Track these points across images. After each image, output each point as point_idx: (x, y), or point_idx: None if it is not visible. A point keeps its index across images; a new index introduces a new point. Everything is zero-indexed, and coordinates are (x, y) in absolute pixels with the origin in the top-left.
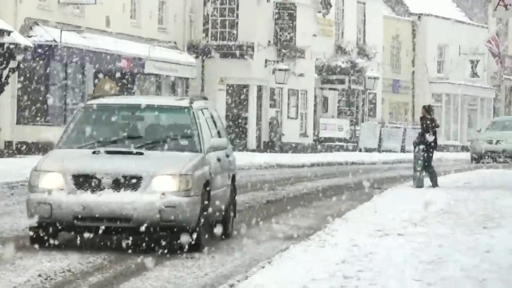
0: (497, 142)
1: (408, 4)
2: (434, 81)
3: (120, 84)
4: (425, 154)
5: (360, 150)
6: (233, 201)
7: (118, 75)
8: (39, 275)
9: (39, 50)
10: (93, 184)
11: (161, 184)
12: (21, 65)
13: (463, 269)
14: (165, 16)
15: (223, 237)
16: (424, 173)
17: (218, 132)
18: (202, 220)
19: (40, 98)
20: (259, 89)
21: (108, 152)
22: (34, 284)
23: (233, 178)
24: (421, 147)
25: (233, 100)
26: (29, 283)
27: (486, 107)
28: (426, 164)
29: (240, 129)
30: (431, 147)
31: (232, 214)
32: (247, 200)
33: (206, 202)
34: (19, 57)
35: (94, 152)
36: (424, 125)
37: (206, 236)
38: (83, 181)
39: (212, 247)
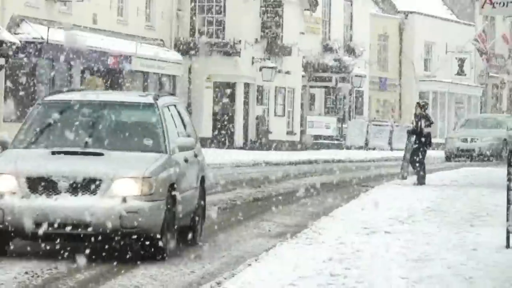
0: (472, 140)
1: (395, 2)
2: (421, 79)
3: (107, 82)
4: (419, 151)
5: (347, 148)
6: (203, 205)
7: (105, 72)
8: None
9: (27, 47)
10: (48, 187)
11: (122, 187)
12: (8, 62)
13: (450, 266)
14: (152, 14)
15: (191, 243)
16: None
17: (186, 131)
18: (167, 226)
19: (28, 96)
20: (246, 86)
21: (65, 153)
22: None
23: (203, 180)
24: (413, 139)
25: (220, 97)
26: None
27: (473, 105)
28: (418, 161)
29: (227, 126)
30: (425, 144)
31: (201, 218)
32: (234, 198)
33: (171, 207)
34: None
35: (50, 153)
36: (419, 122)
37: (172, 243)
38: (38, 184)
39: (195, 246)
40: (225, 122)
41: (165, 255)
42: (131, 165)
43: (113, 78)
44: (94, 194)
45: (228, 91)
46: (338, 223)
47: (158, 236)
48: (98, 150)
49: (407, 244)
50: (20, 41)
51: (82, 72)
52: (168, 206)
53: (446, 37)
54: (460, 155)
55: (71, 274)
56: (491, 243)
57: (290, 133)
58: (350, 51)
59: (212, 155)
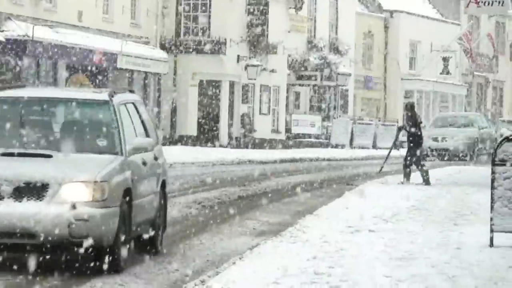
0: (443, 139)
1: (381, 1)
2: (406, 78)
3: (92, 81)
4: (412, 151)
5: (332, 146)
6: (163, 211)
7: (90, 70)
8: None
9: (11, 45)
10: None
11: (72, 193)
12: None
13: (434, 265)
14: (138, 11)
15: (151, 253)
16: (408, 169)
17: (146, 131)
18: (122, 235)
19: None
20: (231, 85)
21: (9, 154)
22: None
23: (163, 184)
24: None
25: (205, 95)
26: None
27: (457, 104)
28: (416, 160)
29: (212, 125)
30: (417, 143)
31: (161, 226)
32: (218, 196)
33: (127, 214)
34: None
35: None
36: (410, 122)
37: (128, 253)
38: None
39: (180, 244)
40: (210, 120)
41: (119, 267)
42: (81, 168)
43: (98, 76)
44: (41, 200)
45: (214, 89)
46: (322, 221)
47: (112, 246)
48: (46, 152)
49: (391, 242)
50: (5, 39)
51: (67, 69)
52: (123, 213)
53: (431, 36)
54: (431, 155)
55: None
56: (475, 242)
57: (275, 131)
58: (335, 49)
59: (196, 153)
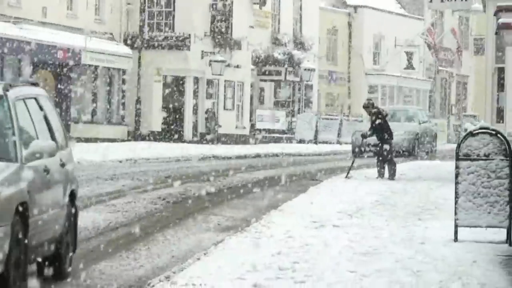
0: None
1: None
2: (370, 73)
3: (56, 78)
4: (384, 147)
5: (297, 142)
6: (73, 227)
7: (54, 66)
8: None
9: None
10: None
11: None
12: None
13: (398, 260)
14: (102, 7)
15: (55, 277)
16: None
17: (51, 132)
18: (15, 259)
19: None
20: (196, 80)
21: None
22: None
23: (73, 195)
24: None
25: (170, 91)
26: None
27: (422, 99)
28: (386, 154)
29: (176, 120)
30: (386, 138)
31: (70, 245)
32: (183, 192)
33: (22, 233)
34: None
35: None
36: (375, 118)
37: (23, 281)
38: None
39: (145, 240)
40: (175, 116)
41: None
42: None
43: (62, 72)
44: None
45: (178, 85)
46: (287, 216)
47: (1, 274)
48: None
49: (355, 238)
50: None
51: (31, 66)
52: (16, 232)
53: (395, 31)
54: (369, 151)
55: None
56: (439, 236)
57: (239, 127)
58: (300, 45)
59: (161, 149)
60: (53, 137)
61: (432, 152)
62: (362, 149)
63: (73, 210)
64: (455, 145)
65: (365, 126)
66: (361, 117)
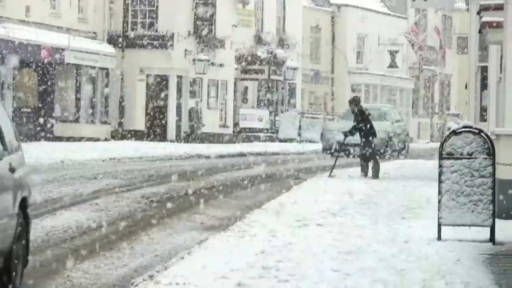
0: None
1: None
2: (353, 72)
3: (40, 77)
4: (366, 145)
5: (280, 140)
6: (25, 237)
7: (38, 65)
8: None
9: None
10: None
11: None
12: None
13: (382, 259)
14: (85, 6)
15: None
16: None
17: None
18: None
19: None
20: (179, 79)
21: None
22: None
23: (23, 203)
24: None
25: (153, 90)
26: None
27: (405, 98)
28: (370, 153)
29: (160, 119)
30: (369, 137)
31: (20, 257)
32: (167, 191)
33: None
34: None
35: None
36: (359, 117)
37: None
38: None
39: (129, 239)
40: (158, 115)
41: None
42: None
43: (45, 71)
44: None
45: (161, 84)
46: (270, 215)
47: None
48: None
49: (339, 236)
50: None
51: (15, 65)
52: None
53: (378, 30)
54: (340, 150)
55: None
56: (423, 235)
57: (223, 126)
58: (283, 43)
59: (145, 148)
60: (1, 141)
61: (404, 152)
62: (342, 147)
63: (24, 220)
64: (434, 144)
65: (335, 125)
66: (333, 115)
